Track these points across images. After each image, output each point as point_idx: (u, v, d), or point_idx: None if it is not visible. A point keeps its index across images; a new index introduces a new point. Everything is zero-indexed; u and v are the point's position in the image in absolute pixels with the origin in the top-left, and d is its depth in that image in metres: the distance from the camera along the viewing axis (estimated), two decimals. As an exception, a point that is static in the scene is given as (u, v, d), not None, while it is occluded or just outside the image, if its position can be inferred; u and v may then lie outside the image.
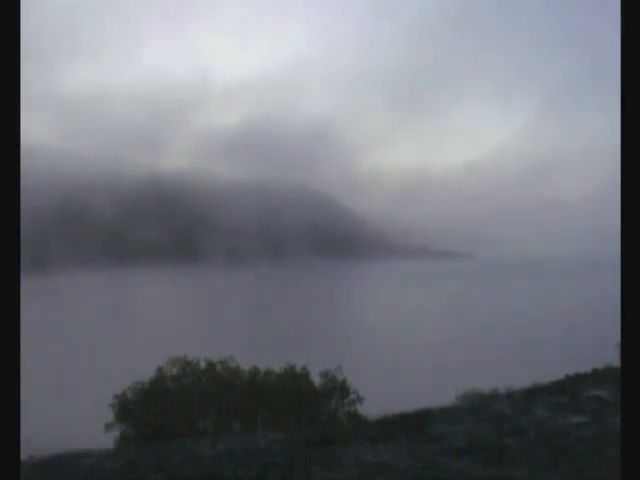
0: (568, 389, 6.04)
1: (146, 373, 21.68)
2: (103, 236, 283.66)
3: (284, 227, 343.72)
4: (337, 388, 21.99)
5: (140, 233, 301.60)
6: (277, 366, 22.51)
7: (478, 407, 5.49)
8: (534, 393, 6.01)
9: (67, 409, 44.81)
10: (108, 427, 20.99)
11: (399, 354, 77.03)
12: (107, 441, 18.55)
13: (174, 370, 22.01)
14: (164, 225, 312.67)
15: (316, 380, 22.21)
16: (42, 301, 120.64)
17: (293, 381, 21.65)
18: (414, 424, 4.93)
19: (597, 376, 10.96)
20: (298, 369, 22.15)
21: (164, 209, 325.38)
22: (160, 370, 21.97)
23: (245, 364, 22.67)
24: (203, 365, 22.26)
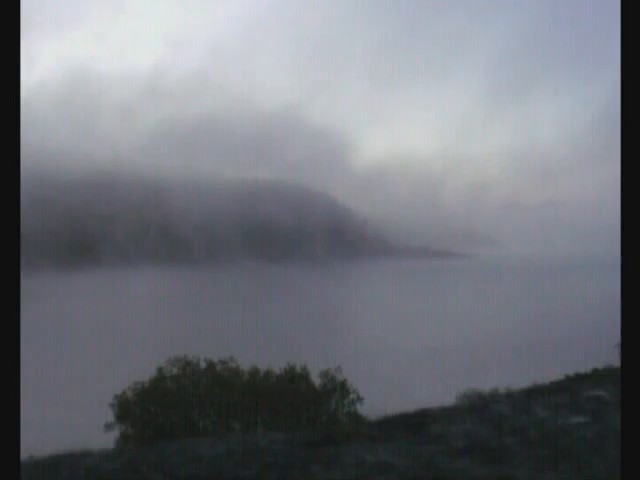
0: (568, 389, 6.04)
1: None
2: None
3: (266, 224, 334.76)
4: (337, 388, 22.02)
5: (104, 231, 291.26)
6: (277, 365, 22.52)
7: (478, 407, 5.49)
8: (534, 393, 6.01)
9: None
10: (108, 427, 21.01)
11: (399, 354, 77.05)
12: (107, 441, 18.55)
13: (174, 370, 22.03)
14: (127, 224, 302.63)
15: (316, 380, 22.23)
16: None
17: (293, 381, 21.68)
18: (414, 424, 4.92)
19: (597, 376, 10.97)
20: (298, 369, 22.16)
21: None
22: (160, 370, 21.99)
23: (248, 363, 22.70)
24: (203, 365, 22.28)
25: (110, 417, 21.13)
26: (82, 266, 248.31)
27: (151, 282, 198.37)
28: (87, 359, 71.25)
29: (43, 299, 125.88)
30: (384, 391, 33.07)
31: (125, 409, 20.87)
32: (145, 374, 21.94)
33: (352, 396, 22.11)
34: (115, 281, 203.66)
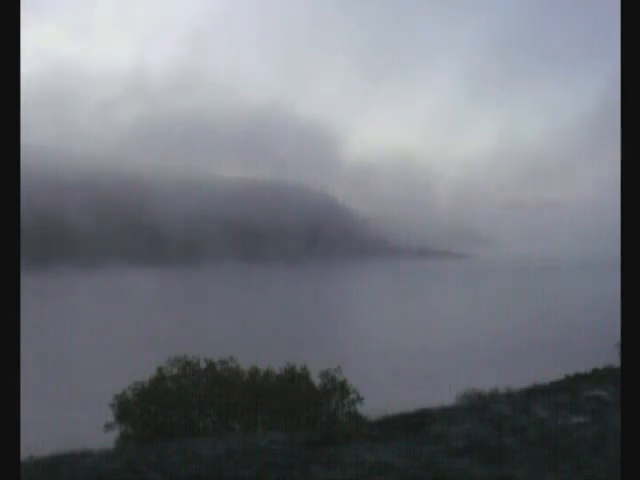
0: (568, 389, 6.04)
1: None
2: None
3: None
4: (337, 388, 22.02)
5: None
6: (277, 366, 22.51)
7: (478, 407, 5.49)
8: (534, 393, 6.01)
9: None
10: (108, 427, 21.02)
11: (399, 354, 77.03)
12: (107, 441, 18.57)
13: (174, 370, 22.03)
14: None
15: (316, 380, 22.25)
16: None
17: (293, 381, 21.68)
18: (414, 424, 4.92)
19: (597, 376, 10.96)
20: (298, 369, 22.17)
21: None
22: (160, 370, 21.99)
23: (248, 363, 22.70)
24: (203, 365, 22.29)
25: (110, 417, 21.14)
26: (58, 266, 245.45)
27: (139, 282, 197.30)
28: (87, 359, 71.18)
29: (38, 299, 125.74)
30: (384, 391, 33.08)
31: (125, 409, 20.87)
32: (144, 374, 21.95)
33: (352, 396, 22.12)
34: (101, 281, 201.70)
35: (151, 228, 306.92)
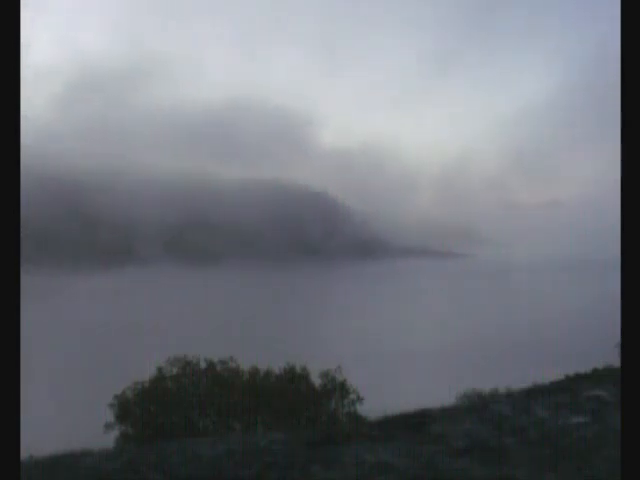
0: (568, 389, 6.04)
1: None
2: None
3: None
4: (337, 388, 22.03)
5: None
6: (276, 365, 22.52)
7: (478, 407, 5.48)
8: (534, 393, 6.00)
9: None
10: (108, 427, 21.03)
11: (399, 354, 77.07)
12: (107, 441, 18.57)
13: (174, 370, 22.04)
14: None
15: (316, 381, 22.26)
16: None
17: (293, 381, 21.70)
18: (414, 424, 4.92)
19: (597, 376, 10.96)
20: (298, 369, 22.18)
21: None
22: (160, 370, 22.00)
23: (248, 363, 22.71)
24: (203, 365, 22.29)
25: (110, 417, 21.14)
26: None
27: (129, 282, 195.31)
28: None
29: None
30: (384, 391, 33.08)
31: (125, 409, 20.88)
32: (144, 374, 21.94)
33: (352, 396, 22.13)
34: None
35: (131, 227, 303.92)
